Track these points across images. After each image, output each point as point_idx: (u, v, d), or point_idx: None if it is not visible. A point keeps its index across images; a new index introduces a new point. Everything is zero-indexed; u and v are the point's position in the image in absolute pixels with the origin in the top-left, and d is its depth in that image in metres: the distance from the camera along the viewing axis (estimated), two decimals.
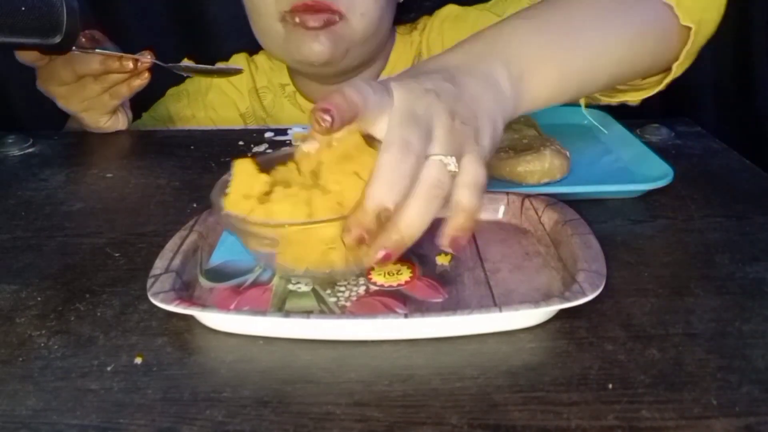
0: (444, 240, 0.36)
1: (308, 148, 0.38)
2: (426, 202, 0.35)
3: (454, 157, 0.36)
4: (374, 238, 0.34)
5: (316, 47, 0.69)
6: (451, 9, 0.83)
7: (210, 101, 0.85)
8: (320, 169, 0.37)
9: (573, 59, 0.47)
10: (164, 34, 0.97)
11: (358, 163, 0.36)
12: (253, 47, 0.86)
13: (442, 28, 0.81)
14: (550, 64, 0.45)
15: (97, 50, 0.63)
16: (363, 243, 0.34)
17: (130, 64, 0.65)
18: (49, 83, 0.68)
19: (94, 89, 0.67)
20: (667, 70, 0.55)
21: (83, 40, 0.64)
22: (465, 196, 0.36)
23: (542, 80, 0.45)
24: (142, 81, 0.69)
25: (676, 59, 0.54)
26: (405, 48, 0.83)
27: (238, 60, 0.87)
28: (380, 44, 0.77)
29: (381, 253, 0.35)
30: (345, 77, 0.78)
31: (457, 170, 0.36)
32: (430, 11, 0.84)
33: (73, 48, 0.58)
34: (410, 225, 0.35)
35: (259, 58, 0.87)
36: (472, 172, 0.37)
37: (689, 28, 0.51)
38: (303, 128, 0.72)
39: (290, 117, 0.84)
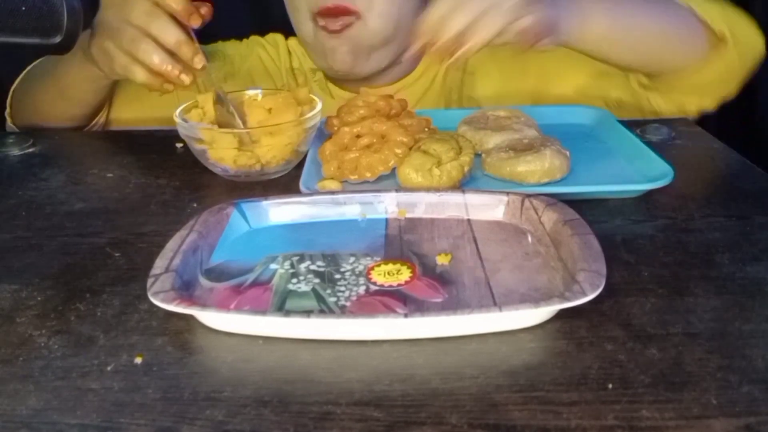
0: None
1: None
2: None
3: None
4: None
5: (339, 57, 0.73)
6: None
7: (248, 69, 0.84)
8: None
9: (622, 17, 0.62)
10: None
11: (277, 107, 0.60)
12: (248, 30, 0.88)
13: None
14: (605, 14, 0.61)
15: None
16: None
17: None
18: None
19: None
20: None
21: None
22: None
23: (596, 21, 0.60)
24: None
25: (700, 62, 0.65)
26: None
27: (276, 38, 0.87)
28: (403, 46, 0.76)
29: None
30: (370, 80, 0.79)
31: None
32: None
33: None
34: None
35: (292, 42, 0.87)
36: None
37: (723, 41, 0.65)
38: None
39: None
